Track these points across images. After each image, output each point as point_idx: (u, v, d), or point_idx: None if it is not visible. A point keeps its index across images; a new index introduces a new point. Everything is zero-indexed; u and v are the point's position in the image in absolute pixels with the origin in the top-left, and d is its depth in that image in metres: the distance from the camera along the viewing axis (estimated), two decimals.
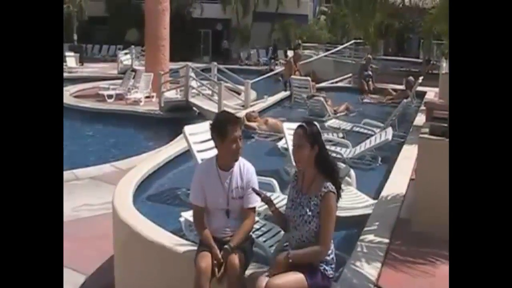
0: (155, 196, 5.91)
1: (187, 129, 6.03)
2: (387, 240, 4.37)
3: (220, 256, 3.38)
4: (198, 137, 6.02)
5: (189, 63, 16.71)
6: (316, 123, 3.60)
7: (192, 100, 15.24)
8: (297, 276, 3.19)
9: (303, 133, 3.38)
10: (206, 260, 3.35)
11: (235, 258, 3.34)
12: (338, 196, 3.38)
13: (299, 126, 3.45)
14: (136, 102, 16.35)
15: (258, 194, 3.55)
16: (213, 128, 3.63)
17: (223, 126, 3.56)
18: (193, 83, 15.71)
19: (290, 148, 6.39)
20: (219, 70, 16.80)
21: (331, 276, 3.37)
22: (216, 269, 3.35)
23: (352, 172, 5.79)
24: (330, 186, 3.32)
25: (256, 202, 3.67)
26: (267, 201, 3.55)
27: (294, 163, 3.56)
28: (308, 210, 3.33)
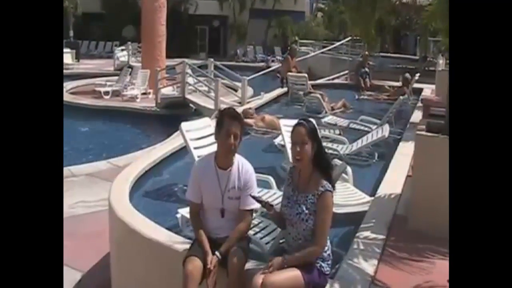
0: (151, 192, 5.90)
1: (184, 125, 6.02)
2: (383, 237, 4.37)
3: (210, 263, 3.32)
4: (194, 133, 6.01)
5: (186, 60, 16.67)
6: (312, 119, 3.58)
7: (188, 96, 15.22)
8: (294, 273, 3.19)
9: (306, 131, 3.34)
10: (193, 263, 3.31)
11: (235, 257, 3.32)
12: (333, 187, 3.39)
13: (299, 124, 3.39)
14: (133, 98, 16.34)
15: (258, 201, 3.52)
16: (216, 120, 3.66)
17: (221, 118, 3.58)
18: (190, 80, 15.68)
19: (287, 145, 6.38)
20: (216, 67, 16.77)
21: (327, 272, 3.38)
22: (207, 278, 3.30)
23: (348, 168, 5.79)
24: (327, 185, 3.32)
25: (254, 205, 3.62)
26: (267, 207, 3.53)
27: (293, 161, 3.50)
28: (304, 208, 3.32)
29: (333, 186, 3.38)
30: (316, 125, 3.53)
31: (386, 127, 7.93)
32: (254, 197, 3.52)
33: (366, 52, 17.36)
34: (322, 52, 25.36)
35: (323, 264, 3.34)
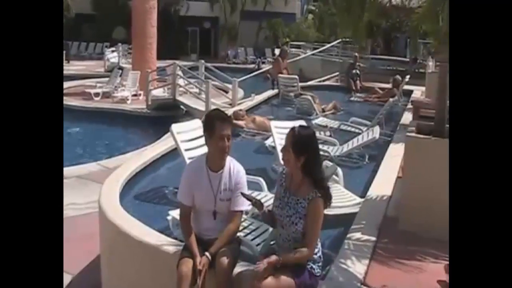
0: (142, 194, 5.88)
1: (175, 127, 6.01)
2: (374, 238, 4.39)
3: (199, 264, 3.33)
4: (185, 135, 6.00)
5: (177, 61, 16.64)
6: (306, 124, 3.54)
7: (179, 98, 15.19)
8: (285, 276, 3.18)
9: (290, 136, 3.33)
10: (187, 265, 3.32)
11: (223, 258, 3.32)
12: (327, 203, 3.34)
13: (292, 128, 3.37)
14: (123, 100, 16.26)
15: (249, 199, 3.52)
16: (204, 124, 3.64)
17: (212, 122, 3.55)
18: (181, 81, 15.65)
19: (278, 146, 6.39)
20: (206, 69, 16.75)
21: (318, 274, 3.38)
22: (198, 278, 3.29)
23: (339, 170, 5.80)
24: (318, 192, 3.31)
25: (243, 206, 3.63)
26: (258, 205, 3.53)
27: (282, 162, 3.53)
28: (295, 212, 3.32)
29: (327, 199, 3.34)
30: (312, 134, 3.41)
31: (377, 129, 7.97)
32: (244, 195, 3.52)
33: (356, 54, 17.42)
34: (313, 54, 25.41)
35: (314, 266, 3.34)
